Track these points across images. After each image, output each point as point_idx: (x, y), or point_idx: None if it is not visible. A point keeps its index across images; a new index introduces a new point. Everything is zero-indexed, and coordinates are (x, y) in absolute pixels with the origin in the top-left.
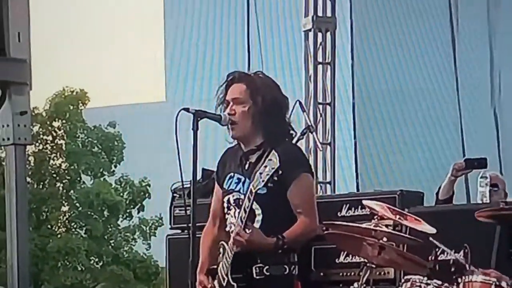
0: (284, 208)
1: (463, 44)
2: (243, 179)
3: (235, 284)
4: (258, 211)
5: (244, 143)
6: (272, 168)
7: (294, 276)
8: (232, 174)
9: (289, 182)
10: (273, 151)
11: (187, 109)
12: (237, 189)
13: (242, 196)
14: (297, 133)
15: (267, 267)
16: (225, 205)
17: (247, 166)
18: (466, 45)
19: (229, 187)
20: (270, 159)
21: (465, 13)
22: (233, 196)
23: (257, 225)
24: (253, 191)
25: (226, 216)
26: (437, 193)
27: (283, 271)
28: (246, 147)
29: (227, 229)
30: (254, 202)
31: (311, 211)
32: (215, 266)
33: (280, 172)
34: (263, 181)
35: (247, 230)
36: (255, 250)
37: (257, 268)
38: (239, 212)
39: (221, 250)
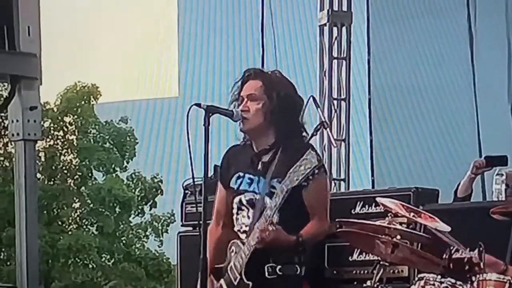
0: (299, 208)
1: (481, 40)
2: (256, 179)
3: (250, 283)
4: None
5: (256, 141)
6: (309, 168)
7: (302, 277)
8: (241, 173)
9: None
10: (311, 150)
11: (198, 105)
12: (250, 189)
13: (257, 196)
14: (309, 135)
15: (279, 266)
16: (235, 205)
17: (260, 166)
18: (483, 41)
19: (239, 187)
20: (306, 159)
21: (483, 10)
22: (245, 196)
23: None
24: (285, 189)
25: (236, 216)
26: (455, 191)
27: (294, 271)
28: (257, 146)
29: (237, 229)
30: (269, 200)
31: (324, 212)
32: (221, 265)
33: (317, 171)
34: (296, 179)
35: (270, 227)
36: (277, 247)
37: (269, 268)
38: (253, 212)
39: (233, 248)
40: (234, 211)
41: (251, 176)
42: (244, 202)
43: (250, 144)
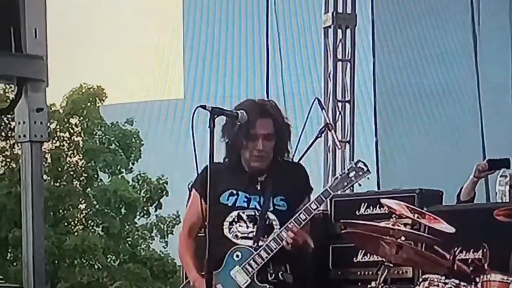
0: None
1: (484, 42)
2: (256, 197)
3: (266, 285)
4: (277, 225)
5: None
6: (358, 175)
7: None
8: (234, 191)
9: (301, 199)
10: (360, 160)
11: (203, 106)
12: (251, 206)
13: (256, 212)
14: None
15: (281, 272)
16: (230, 218)
17: (258, 186)
18: (487, 43)
19: (235, 203)
20: (353, 166)
21: (487, 11)
22: (244, 212)
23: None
24: (331, 194)
25: (229, 226)
26: (458, 195)
27: (291, 278)
28: (250, 169)
29: (231, 235)
30: (274, 216)
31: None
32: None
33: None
34: (345, 185)
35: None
36: (301, 250)
37: (271, 274)
38: (257, 227)
39: (238, 253)
40: (227, 222)
41: (247, 195)
42: (244, 218)
43: (238, 164)
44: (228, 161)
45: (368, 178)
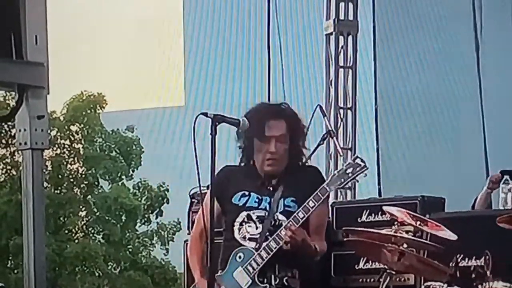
0: (306, 226)
1: (487, 49)
2: (267, 198)
3: (267, 285)
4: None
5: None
6: (357, 171)
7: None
8: (246, 192)
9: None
10: (358, 156)
11: (205, 114)
12: (261, 207)
13: (266, 213)
14: (307, 155)
15: (286, 277)
16: (240, 219)
17: (271, 188)
18: (490, 50)
19: (246, 204)
20: (350, 163)
21: (489, 18)
22: (253, 213)
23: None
24: (329, 191)
25: (239, 226)
26: (472, 206)
27: (297, 284)
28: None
29: (240, 236)
30: (284, 217)
31: (324, 234)
32: (219, 274)
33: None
34: (342, 181)
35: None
36: (302, 250)
37: (275, 277)
38: (263, 227)
39: (240, 254)
40: (237, 222)
41: (259, 196)
42: (254, 218)
43: (252, 168)
44: (243, 165)
45: (365, 175)
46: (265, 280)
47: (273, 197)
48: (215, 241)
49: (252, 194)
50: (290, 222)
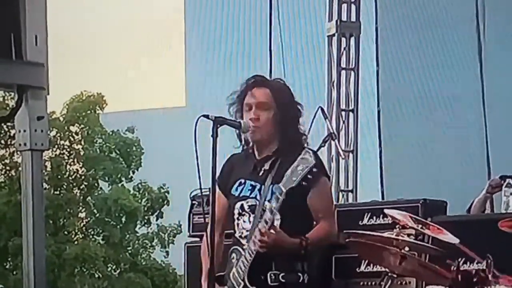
0: (302, 212)
1: (490, 51)
2: (258, 186)
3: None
4: (277, 215)
5: (258, 149)
6: (306, 166)
7: (306, 285)
8: (242, 180)
9: (309, 186)
10: (307, 149)
11: (206, 116)
12: (252, 195)
13: (257, 202)
14: (308, 144)
15: (282, 274)
16: (236, 211)
17: (261, 172)
18: (492, 52)
19: (240, 193)
20: (303, 158)
21: (492, 21)
22: (247, 202)
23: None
24: (284, 191)
25: (237, 221)
26: (468, 210)
27: (297, 279)
28: (260, 153)
29: (238, 234)
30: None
31: (331, 215)
32: (222, 273)
33: (315, 169)
34: (294, 180)
35: (271, 230)
36: (279, 250)
37: (272, 275)
38: (254, 217)
39: (233, 255)
40: (235, 216)
41: (252, 183)
42: (246, 208)
43: (252, 151)
44: (243, 149)
45: (314, 170)
46: (258, 282)
47: (263, 184)
48: (225, 242)
49: (247, 181)
50: (262, 224)
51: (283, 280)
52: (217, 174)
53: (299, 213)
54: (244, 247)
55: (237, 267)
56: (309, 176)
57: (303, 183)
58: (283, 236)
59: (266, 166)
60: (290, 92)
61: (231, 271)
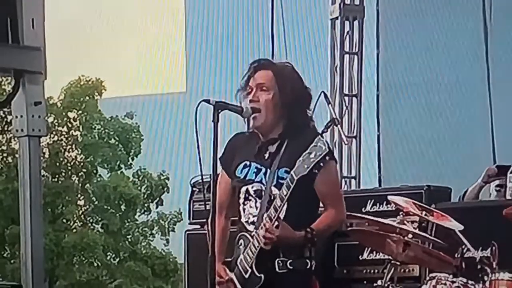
0: (309, 198)
1: (496, 36)
2: (263, 169)
3: (262, 276)
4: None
5: (263, 133)
6: (320, 154)
7: (313, 271)
8: (247, 162)
9: (318, 172)
10: (320, 137)
11: (207, 101)
12: (257, 179)
13: (263, 187)
14: (316, 127)
15: (290, 260)
16: (242, 195)
17: (267, 155)
18: (499, 37)
19: (245, 176)
20: (316, 145)
21: (498, 5)
22: (252, 187)
23: (281, 215)
24: (295, 178)
25: (243, 206)
26: (462, 197)
27: (305, 265)
28: (264, 136)
29: (244, 220)
30: (278, 191)
31: (339, 200)
32: (230, 259)
33: (327, 158)
34: (306, 167)
35: (275, 228)
36: (285, 245)
37: (280, 262)
38: (260, 203)
39: (241, 241)
40: (241, 201)
41: (258, 166)
42: (252, 193)
43: (256, 132)
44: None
45: (326, 158)
46: (266, 269)
47: (268, 168)
48: (230, 229)
49: (252, 164)
50: (265, 220)
51: (291, 267)
52: (217, 170)
53: (308, 201)
54: (252, 233)
55: (244, 254)
56: (321, 164)
57: (315, 170)
58: (288, 232)
59: (272, 149)
60: (296, 75)
61: (239, 257)
